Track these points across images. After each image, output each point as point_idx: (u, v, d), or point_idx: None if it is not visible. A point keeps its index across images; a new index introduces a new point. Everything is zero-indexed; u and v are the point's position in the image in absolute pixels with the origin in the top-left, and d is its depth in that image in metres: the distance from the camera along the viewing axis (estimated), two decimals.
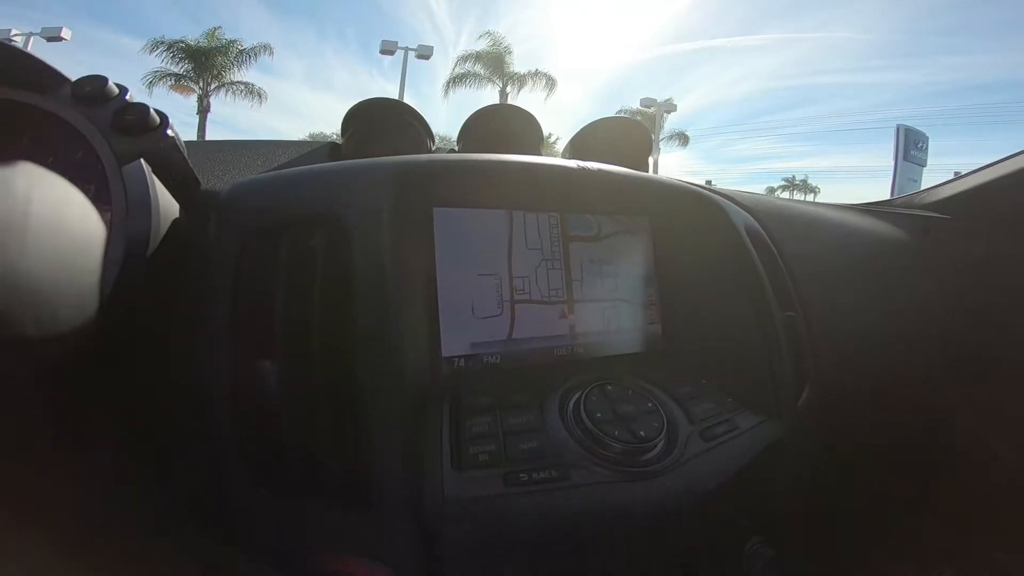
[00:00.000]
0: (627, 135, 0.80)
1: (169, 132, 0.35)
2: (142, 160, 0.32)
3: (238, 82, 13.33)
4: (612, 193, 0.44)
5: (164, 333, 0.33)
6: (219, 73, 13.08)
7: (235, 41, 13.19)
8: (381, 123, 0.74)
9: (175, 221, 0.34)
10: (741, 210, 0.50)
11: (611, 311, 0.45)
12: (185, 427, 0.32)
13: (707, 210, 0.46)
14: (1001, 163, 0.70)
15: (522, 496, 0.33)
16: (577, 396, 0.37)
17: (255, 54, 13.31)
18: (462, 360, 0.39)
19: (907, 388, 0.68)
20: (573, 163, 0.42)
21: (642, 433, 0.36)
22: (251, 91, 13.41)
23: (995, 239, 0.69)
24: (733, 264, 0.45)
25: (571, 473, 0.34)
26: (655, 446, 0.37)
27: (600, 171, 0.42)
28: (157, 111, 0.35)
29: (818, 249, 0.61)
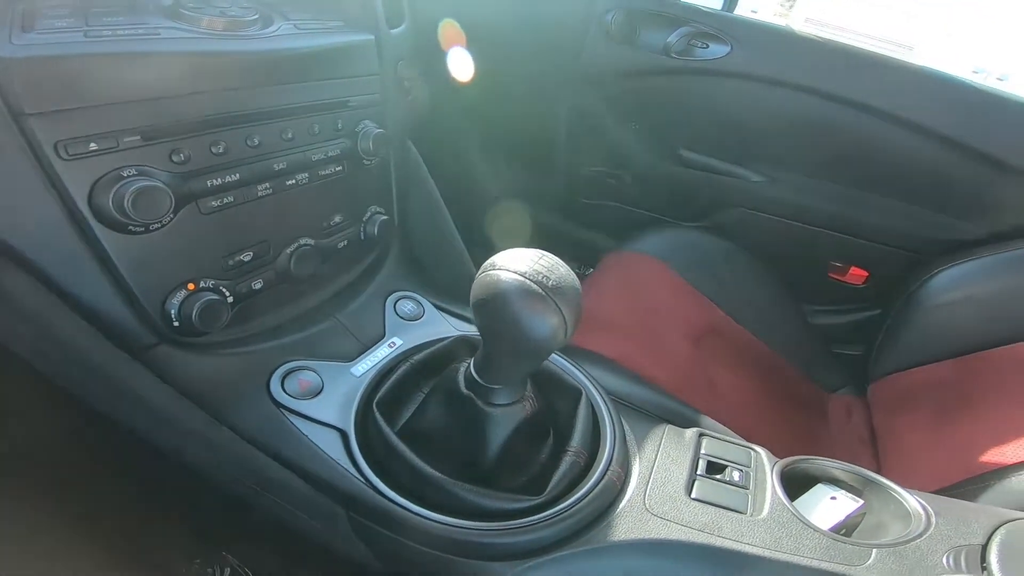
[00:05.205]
0: None
1: None
2: None
3: None
4: None
5: None
6: None
7: None
8: None
9: None
10: None
11: None
12: None
13: None
14: None
15: (104, 42, 0.31)
16: None
17: None
18: None
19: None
20: None
21: (234, 13, 0.38)
22: None
23: None
24: None
25: (162, 32, 0.34)
26: (252, 23, 0.39)
27: None
28: None
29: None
